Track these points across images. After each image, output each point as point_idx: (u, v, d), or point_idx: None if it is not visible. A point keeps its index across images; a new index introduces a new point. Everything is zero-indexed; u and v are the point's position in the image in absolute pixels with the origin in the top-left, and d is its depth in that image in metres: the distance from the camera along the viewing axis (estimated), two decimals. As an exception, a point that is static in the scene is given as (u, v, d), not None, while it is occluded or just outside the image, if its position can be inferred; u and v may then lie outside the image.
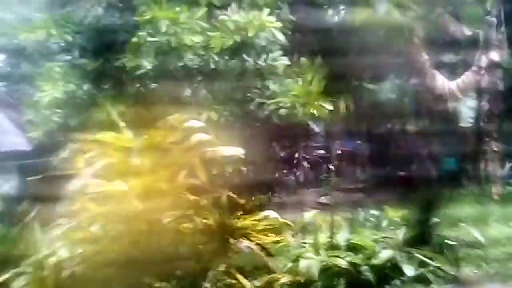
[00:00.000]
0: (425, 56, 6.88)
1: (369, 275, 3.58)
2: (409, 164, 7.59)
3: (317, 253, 3.65)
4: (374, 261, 3.65)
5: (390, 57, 6.61)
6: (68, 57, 6.35)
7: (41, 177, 3.73)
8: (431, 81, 7.20)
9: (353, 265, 3.60)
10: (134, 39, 5.82)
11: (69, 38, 6.36)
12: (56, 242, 3.29)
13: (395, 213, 4.42)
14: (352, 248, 3.78)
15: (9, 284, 2.96)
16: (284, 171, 7.25)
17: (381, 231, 4.22)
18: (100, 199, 3.17)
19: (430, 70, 7.19)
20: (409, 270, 3.62)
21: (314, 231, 3.92)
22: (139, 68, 5.83)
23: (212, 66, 6.07)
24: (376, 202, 5.51)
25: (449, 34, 7.50)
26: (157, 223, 3.23)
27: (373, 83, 6.68)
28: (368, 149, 7.97)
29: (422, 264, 3.68)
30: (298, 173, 7.38)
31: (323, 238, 3.86)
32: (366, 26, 5.91)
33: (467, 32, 7.70)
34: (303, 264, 3.52)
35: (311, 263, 3.51)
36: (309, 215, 4.14)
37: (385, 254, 3.69)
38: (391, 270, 3.65)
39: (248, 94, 6.49)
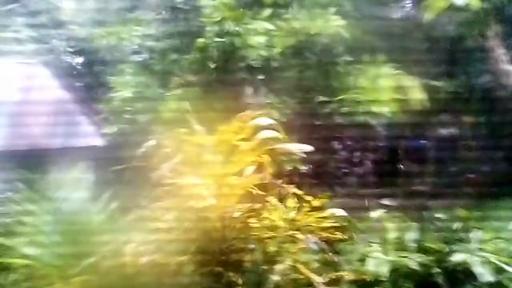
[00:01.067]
0: (501, 51, 6.47)
1: (440, 278, 3.47)
2: (480, 166, 7.18)
3: (385, 252, 3.59)
4: (446, 264, 3.53)
5: (462, 52, 6.31)
6: (138, 59, 6.76)
7: (120, 169, 4.02)
8: (507, 78, 6.75)
9: (423, 266, 3.51)
10: (201, 40, 6.05)
11: (139, 41, 6.76)
12: (134, 230, 3.53)
13: (466, 215, 4.22)
14: (422, 249, 3.67)
15: (95, 266, 3.21)
16: (346, 170, 7.17)
17: (452, 233, 4.05)
18: (174, 191, 3.35)
19: (506, 66, 6.74)
20: (484, 276, 3.45)
21: (381, 230, 3.85)
22: (205, 68, 6.06)
23: (275, 64, 6.15)
24: (444, 203, 5.29)
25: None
26: (226, 217, 3.35)
27: (441, 80, 6.41)
28: (435, 148, 7.64)
29: (499, 270, 3.50)
30: (360, 172, 7.26)
31: (391, 238, 3.78)
32: (437, 19, 5.68)
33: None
34: (371, 263, 3.48)
35: (379, 263, 3.47)
36: (376, 214, 4.08)
37: (457, 257, 3.55)
38: (464, 274, 3.51)
39: (310, 92, 6.50)
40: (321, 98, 6.26)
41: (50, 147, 6.21)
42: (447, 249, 3.71)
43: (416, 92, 5.88)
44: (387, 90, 5.69)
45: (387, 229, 3.80)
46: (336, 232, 3.46)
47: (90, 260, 3.33)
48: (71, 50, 7.97)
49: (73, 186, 4.25)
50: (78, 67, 7.93)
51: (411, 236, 3.79)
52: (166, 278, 3.35)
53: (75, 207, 4.10)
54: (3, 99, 6.59)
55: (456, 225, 3.99)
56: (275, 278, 3.19)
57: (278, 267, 3.25)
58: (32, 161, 5.45)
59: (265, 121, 3.33)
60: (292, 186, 3.39)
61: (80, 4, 7.69)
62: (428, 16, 5.16)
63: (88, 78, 7.51)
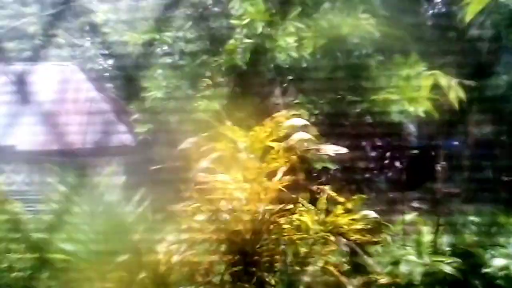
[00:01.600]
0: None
1: (477, 283, 3.36)
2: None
3: (419, 256, 3.51)
4: (484, 270, 3.41)
5: (499, 52, 6.10)
6: (169, 60, 6.89)
7: (153, 168, 4.10)
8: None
9: (460, 271, 3.40)
10: (231, 42, 6.10)
11: (170, 42, 6.89)
12: (166, 229, 3.59)
13: (505, 220, 4.07)
14: (458, 254, 3.57)
15: (129, 263, 3.29)
16: (375, 172, 7.06)
17: (489, 237, 3.92)
18: (207, 191, 3.39)
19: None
20: (527, 284, 3.32)
21: (415, 233, 3.77)
22: (234, 69, 6.10)
23: (304, 65, 6.13)
24: (480, 207, 5.13)
25: None
26: (258, 217, 3.36)
27: (477, 80, 6.22)
28: (469, 150, 7.41)
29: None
30: (390, 174, 7.13)
31: (425, 241, 3.69)
32: (477, 17, 5.51)
33: None
34: (404, 266, 3.41)
35: (413, 266, 3.39)
36: (409, 217, 3.99)
37: (497, 263, 3.43)
38: (505, 281, 3.38)
39: (340, 93, 6.44)
40: (352, 98, 6.20)
41: (84, 147, 6.42)
42: (485, 254, 3.59)
43: (451, 92, 5.72)
44: (420, 90, 5.57)
45: (420, 232, 3.72)
46: (368, 235, 3.41)
47: (124, 257, 3.41)
48: (104, 52, 8.20)
49: (106, 185, 4.38)
50: (111, 69, 8.16)
51: (446, 239, 3.69)
52: (197, 277, 3.39)
53: (109, 206, 4.21)
54: (40, 100, 6.85)
55: (493, 229, 3.86)
56: (307, 279, 3.17)
57: (310, 268, 3.23)
58: (66, 160, 5.65)
59: (299, 121, 3.33)
60: (325, 187, 3.37)
61: (113, 8, 7.90)
62: (466, 16, 5.02)
63: (120, 79, 7.71)
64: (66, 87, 7.15)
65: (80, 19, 7.66)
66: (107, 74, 7.99)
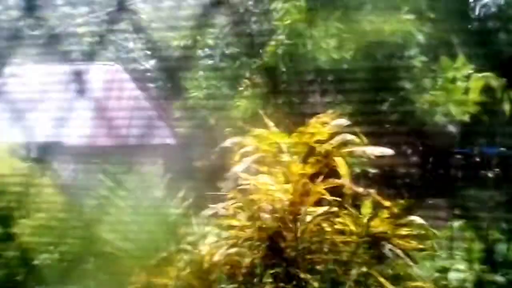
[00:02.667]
0: None
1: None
2: None
3: (470, 266, 3.38)
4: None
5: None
6: (210, 62, 7.01)
7: (195, 166, 4.20)
8: None
9: (512, 283, 3.25)
10: (271, 43, 6.12)
11: (211, 43, 7.00)
12: (208, 226, 3.65)
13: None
14: (511, 264, 3.41)
15: (173, 257, 3.38)
16: (416, 177, 6.86)
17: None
18: (249, 190, 3.42)
19: None
20: None
21: (463, 242, 3.64)
22: (275, 71, 6.11)
23: (345, 66, 6.06)
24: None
25: None
26: (300, 218, 3.35)
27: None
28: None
29: None
30: (432, 179, 6.91)
31: (475, 250, 3.55)
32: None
33: None
34: (453, 276, 3.29)
35: (463, 276, 3.27)
36: (456, 224, 3.86)
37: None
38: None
39: (381, 94, 6.33)
40: (393, 101, 6.07)
41: (127, 144, 6.62)
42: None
43: (499, 95, 5.48)
44: (466, 92, 5.37)
45: (469, 240, 3.58)
46: (414, 241, 3.32)
47: (168, 253, 3.50)
48: (147, 53, 8.44)
49: (150, 182, 4.50)
50: (153, 69, 8.39)
51: (498, 249, 3.53)
52: (238, 275, 3.43)
53: (152, 202, 4.33)
54: (87, 98, 7.13)
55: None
56: (350, 283, 3.13)
57: (353, 272, 3.19)
58: (112, 157, 5.86)
59: (343, 123, 3.29)
60: (370, 190, 3.31)
61: (156, 9, 8.11)
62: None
63: (162, 80, 7.91)
64: (111, 86, 7.42)
65: (124, 20, 7.91)
66: (149, 74, 8.23)
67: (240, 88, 6.59)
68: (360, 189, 3.18)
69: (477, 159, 7.10)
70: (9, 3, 8.07)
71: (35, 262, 3.50)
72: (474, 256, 3.48)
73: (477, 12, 7.08)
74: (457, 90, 5.11)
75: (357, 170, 4.62)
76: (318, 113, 3.61)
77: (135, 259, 3.61)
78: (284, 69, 6.03)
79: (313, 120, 3.40)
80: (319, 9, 5.90)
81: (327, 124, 3.33)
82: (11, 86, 6.37)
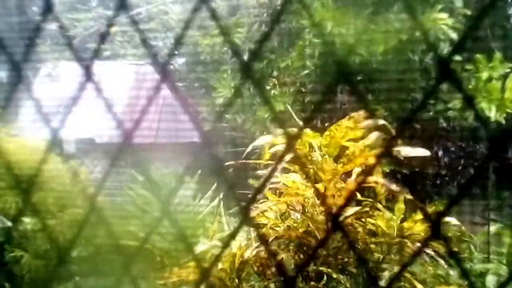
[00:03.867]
0: None
1: None
2: None
3: (510, 270, 3.28)
4: None
5: None
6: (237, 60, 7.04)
7: (224, 165, 4.22)
8: None
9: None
10: (300, 42, 6.10)
11: (239, 43, 7.02)
12: (236, 225, 3.67)
13: None
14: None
15: (205, 254, 3.41)
16: (447, 178, 6.71)
17: None
18: (279, 189, 3.42)
19: None
20: None
21: (500, 246, 3.53)
22: (303, 69, 6.09)
23: (375, 65, 5.99)
24: None
25: None
26: (331, 218, 3.33)
27: None
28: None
29: None
30: (462, 181, 6.74)
31: (513, 254, 3.44)
32: None
33: None
34: (491, 280, 3.20)
35: (501, 281, 3.17)
36: (494, 228, 3.74)
37: None
38: None
39: (412, 94, 6.22)
40: (424, 101, 5.95)
41: (157, 142, 6.74)
42: None
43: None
44: (502, 92, 5.21)
45: (507, 244, 3.46)
46: (449, 244, 3.24)
47: (199, 250, 3.54)
48: (175, 52, 8.54)
49: (180, 179, 4.56)
50: (181, 68, 8.50)
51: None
52: (269, 273, 3.43)
53: (183, 199, 4.39)
54: (116, 96, 7.29)
55: None
56: (382, 284, 3.09)
57: (385, 274, 3.15)
58: (142, 155, 5.97)
59: (376, 122, 3.25)
60: (403, 191, 3.26)
61: (186, 10, 8.22)
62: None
63: (190, 79, 8.01)
64: (141, 85, 7.55)
65: (154, 20, 8.06)
66: (177, 73, 8.34)
67: (268, 87, 6.60)
68: (394, 187, 3.12)
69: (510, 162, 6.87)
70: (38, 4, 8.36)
71: (72, 254, 3.60)
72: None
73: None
74: (493, 90, 4.96)
75: (386, 170, 4.56)
76: (346, 113, 3.57)
77: (166, 255, 3.67)
78: (312, 68, 6.00)
79: (345, 119, 3.36)
80: (348, 7, 5.84)
81: (361, 123, 3.29)
82: (46, 85, 6.58)
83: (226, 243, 3.56)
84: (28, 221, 4.04)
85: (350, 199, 3.25)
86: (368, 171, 3.23)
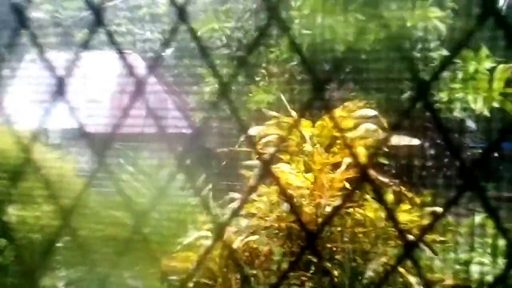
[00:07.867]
0: None
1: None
2: None
3: (493, 259, 3.35)
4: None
5: None
6: (227, 51, 6.98)
7: (213, 155, 4.22)
8: None
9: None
10: (289, 33, 6.07)
11: (228, 33, 6.97)
12: (227, 214, 3.67)
13: None
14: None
15: (196, 243, 3.41)
16: (433, 170, 6.80)
17: None
18: (270, 179, 3.42)
19: None
20: None
21: (485, 236, 3.60)
22: (291, 60, 6.08)
23: (363, 57, 6.00)
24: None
25: None
26: (321, 208, 3.35)
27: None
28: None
29: None
30: (448, 173, 6.84)
31: (498, 245, 3.52)
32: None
33: None
34: (475, 269, 3.27)
35: (485, 270, 3.25)
36: (478, 218, 3.82)
37: None
38: None
39: (399, 86, 6.26)
40: (412, 93, 6.01)
41: (145, 133, 6.65)
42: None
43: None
44: (488, 86, 5.29)
45: (491, 235, 3.54)
46: (435, 233, 3.31)
47: (188, 239, 3.54)
48: (163, 42, 8.43)
49: (168, 169, 4.54)
50: (169, 58, 8.40)
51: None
52: (257, 262, 3.45)
53: (172, 189, 4.36)
54: (103, 87, 7.18)
55: None
56: (370, 274, 3.14)
57: (373, 263, 3.19)
58: (127, 145, 5.90)
59: (367, 112, 3.27)
60: (392, 181, 3.30)
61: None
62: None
63: (178, 69, 7.93)
64: (128, 75, 7.43)
65: (143, 9, 7.95)
66: (165, 63, 8.25)
67: (257, 78, 6.57)
68: (384, 179, 3.15)
69: (497, 154, 7.00)
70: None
71: (58, 244, 3.56)
72: (499, 251, 3.45)
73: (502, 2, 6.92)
74: (480, 83, 5.04)
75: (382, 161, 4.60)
76: (335, 104, 3.59)
77: (155, 245, 3.65)
78: (301, 59, 5.99)
79: (337, 110, 3.37)
80: (338, -1, 5.83)
81: (354, 113, 3.31)
82: (32, 72, 6.42)
83: (218, 233, 3.57)
84: (13, 211, 3.98)
85: (339, 189, 3.28)
86: (356, 161, 3.26)
